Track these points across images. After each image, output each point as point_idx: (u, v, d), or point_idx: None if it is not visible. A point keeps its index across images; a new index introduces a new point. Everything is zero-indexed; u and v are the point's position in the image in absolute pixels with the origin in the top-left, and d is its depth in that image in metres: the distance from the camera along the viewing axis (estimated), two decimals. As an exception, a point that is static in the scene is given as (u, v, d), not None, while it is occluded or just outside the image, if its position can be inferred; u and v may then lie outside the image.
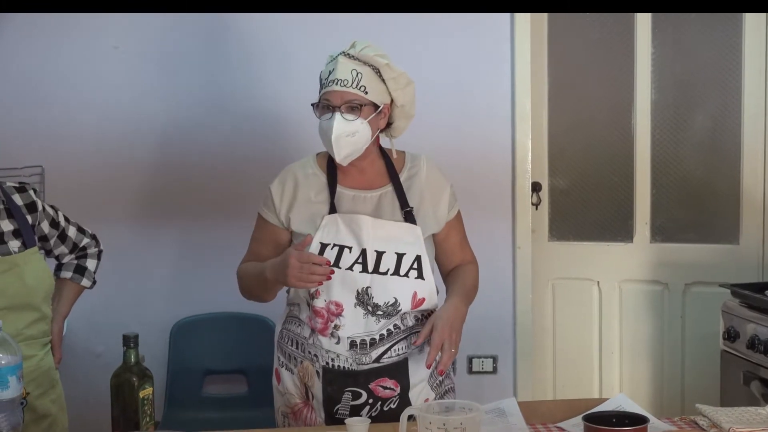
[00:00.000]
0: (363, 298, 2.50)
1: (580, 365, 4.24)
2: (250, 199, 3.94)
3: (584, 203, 4.21)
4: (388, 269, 2.51)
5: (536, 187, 4.11)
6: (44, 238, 2.58)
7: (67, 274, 2.71)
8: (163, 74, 3.94)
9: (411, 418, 2.08)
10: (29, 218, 2.51)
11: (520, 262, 4.05)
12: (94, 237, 2.78)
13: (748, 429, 2.20)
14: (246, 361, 3.97)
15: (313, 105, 2.56)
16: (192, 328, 3.97)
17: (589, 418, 2.10)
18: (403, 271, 2.51)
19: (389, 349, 2.52)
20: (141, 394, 2.13)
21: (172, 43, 3.93)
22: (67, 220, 2.67)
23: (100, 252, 2.80)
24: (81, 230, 2.72)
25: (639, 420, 2.10)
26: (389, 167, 2.61)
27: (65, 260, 2.73)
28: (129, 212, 3.96)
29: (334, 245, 2.51)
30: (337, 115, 2.48)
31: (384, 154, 2.65)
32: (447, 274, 2.73)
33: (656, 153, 4.09)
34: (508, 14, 3.94)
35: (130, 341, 2.15)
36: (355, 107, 2.49)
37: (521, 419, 2.34)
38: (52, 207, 2.62)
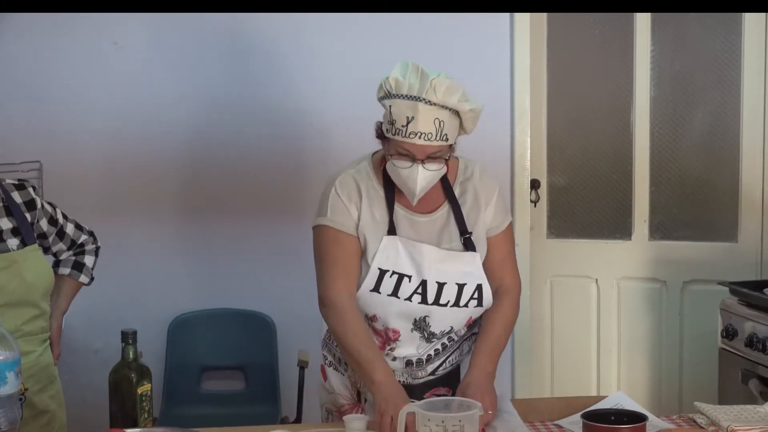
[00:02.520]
0: (420, 325, 2.45)
1: (578, 363, 4.23)
2: (248, 195, 3.98)
3: (583, 201, 4.21)
4: (449, 301, 2.43)
5: (535, 185, 4.11)
6: (43, 236, 2.57)
7: (65, 270, 2.71)
8: (161, 71, 3.94)
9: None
10: (28, 216, 2.50)
11: (519, 259, 3.93)
12: (91, 234, 2.78)
13: (746, 427, 2.20)
14: (244, 358, 3.97)
15: (382, 138, 2.40)
16: (190, 324, 3.97)
17: (587, 416, 2.10)
18: (463, 302, 2.44)
19: (444, 361, 2.50)
20: (139, 391, 2.13)
21: (170, 40, 3.93)
22: (65, 217, 2.67)
23: (97, 248, 2.79)
24: (79, 227, 2.72)
25: (637, 418, 2.10)
26: (443, 179, 2.47)
27: (63, 257, 2.72)
28: (126, 208, 3.97)
29: (393, 273, 2.41)
30: (420, 167, 2.33)
31: None
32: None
33: (655, 150, 4.09)
34: (507, 12, 3.94)
35: (128, 337, 2.15)
36: (438, 157, 2.36)
37: (516, 416, 2.34)
38: (50, 204, 2.62)
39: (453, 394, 2.46)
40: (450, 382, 2.51)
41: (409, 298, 2.41)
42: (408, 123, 2.30)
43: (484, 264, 2.51)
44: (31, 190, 2.54)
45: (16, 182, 2.54)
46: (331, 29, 3.91)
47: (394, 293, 2.41)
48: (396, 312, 2.42)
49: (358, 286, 2.43)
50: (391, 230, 2.43)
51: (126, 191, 3.96)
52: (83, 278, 2.73)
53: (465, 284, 2.44)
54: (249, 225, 3.96)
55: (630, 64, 4.06)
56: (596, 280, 4.20)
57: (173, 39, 3.93)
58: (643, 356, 4.17)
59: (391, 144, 2.36)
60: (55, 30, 3.88)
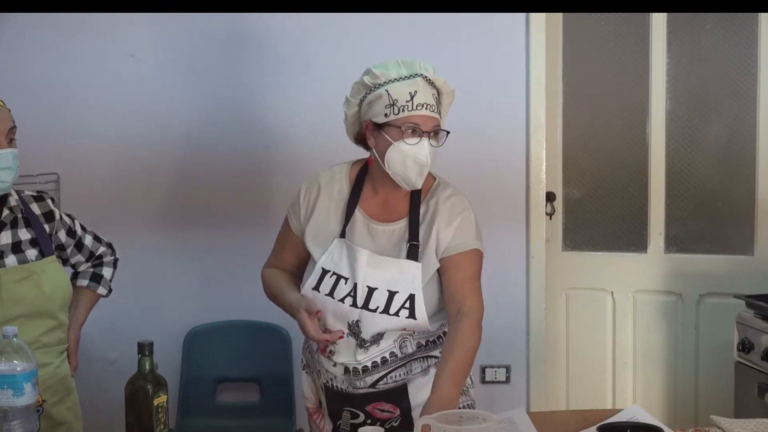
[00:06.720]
0: (354, 330, 2.45)
1: (594, 375, 4.23)
2: (264, 207, 3.97)
3: (598, 213, 4.20)
4: (378, 307, 2.41)
5: (550, 197, 4.11)
6: (61, 247, 2.59)
7: (83, 282, 2.73)
8: (179, 80, 3.95)
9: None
10: (47, 227, 2.52)
11: (534, 271, 4.05)
12: (110, 245, 2.79)
13: (763, 441, 2.20)
14: (259, 369, 3.98)
15: (376, 124, 2.40)
16: (205, 336, 3.98)
17: (603, 429, 2.10)
18: (393, 310, 2.41)
19: (385, 376, 2.48)
20: (155, 402, 2.13)
21: (188, 49, 3.94)
22: (83, 228, 2.69)
23: (116, 260, 2.81)
24: (97, 239, 2.74)
25: (653, 431, 2.09)
26: (415, 194, 2.48)
27: (81, 269, 2.74)
28: (143, 220, 3.98)
29: (333, 273, 2.46)
30: (425, 141, 2.35)
31: None
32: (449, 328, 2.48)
33: (671, 162, 4.09)
34: (523, 22, 3.95)
35: (145, 349, 2.15)
36: (437, 133, 2.39)
37: (533, 429, 2.34)
38: (68, 216, 2.64)
39: (400, 413, 2.49)
40: (395, 398, 2.49)
41: (342, 300, 2.43)
42: (412, 98, 2.35)
43: (444, 287, 2.45)
44: (49, 201, 2.56)
45: (35, 194, 2.56)
46: (341, 31, 3.90)
47: (330, 293, 2.44)
48: (332, 312, 2.45)
49: (303, 283, 2.51)
50: (343, 234, 2.47)
51: (143, 203, 3.97)
52: (101, 290, 2.75)
53: (397, 292, 2.41)
54: (265, 236, 3.95)
55: (645, 77, 4.06)
56: (612, 292, 4.19)
57: (189, 49, 3.93)
58: (658, 369, 4.16)
59: (392, 127, 2.38)
60: (73, 38, 3.89)
